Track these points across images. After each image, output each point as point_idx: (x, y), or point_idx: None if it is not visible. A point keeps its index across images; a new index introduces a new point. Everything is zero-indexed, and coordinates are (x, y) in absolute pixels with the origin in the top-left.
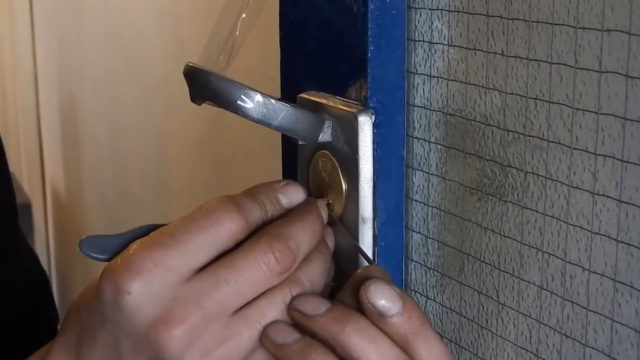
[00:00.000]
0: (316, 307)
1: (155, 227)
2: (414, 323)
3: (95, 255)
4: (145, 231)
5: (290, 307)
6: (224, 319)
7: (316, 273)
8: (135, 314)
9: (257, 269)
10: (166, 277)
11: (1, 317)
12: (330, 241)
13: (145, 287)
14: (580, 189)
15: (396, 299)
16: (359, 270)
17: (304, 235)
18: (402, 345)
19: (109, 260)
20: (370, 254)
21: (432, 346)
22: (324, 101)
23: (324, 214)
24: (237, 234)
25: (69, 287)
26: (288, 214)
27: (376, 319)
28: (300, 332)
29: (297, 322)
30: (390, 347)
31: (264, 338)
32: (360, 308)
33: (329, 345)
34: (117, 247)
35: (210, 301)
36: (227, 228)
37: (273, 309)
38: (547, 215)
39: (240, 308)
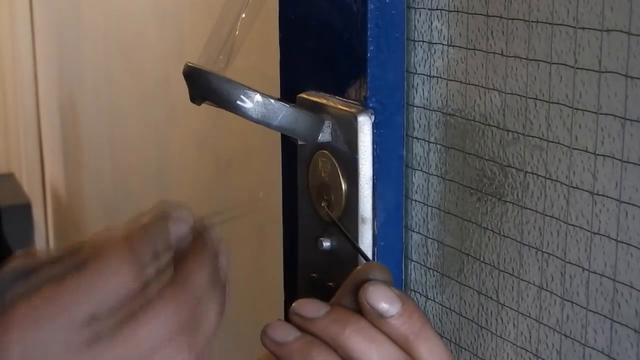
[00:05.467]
0: (316, 309)
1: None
2: (414, 324)
3: None
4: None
5: (290, 311)
6: None
7: (212, 315)
8: None
9: (159, 332)
10: (61, 344)
11: None
12: (225, 262)
13: (32, 346)
14: (580, 189)
15: (395, 301)
16: (358, 268)
17: (202, 279)
18: (403, 345)
19: None
20: (369, 254)
21: (432, 346)
22: (323, 101)
23: (214, 235)
24: (130, 289)
25: None
26: (185, 256)
27: (376, 320)
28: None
29: (297, 325)
30: (391, 348)
31: (263, 336)
32: (360, 309)
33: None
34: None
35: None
36: (119, 284)
37: (167, 355)
38: (546, 215)
39: None
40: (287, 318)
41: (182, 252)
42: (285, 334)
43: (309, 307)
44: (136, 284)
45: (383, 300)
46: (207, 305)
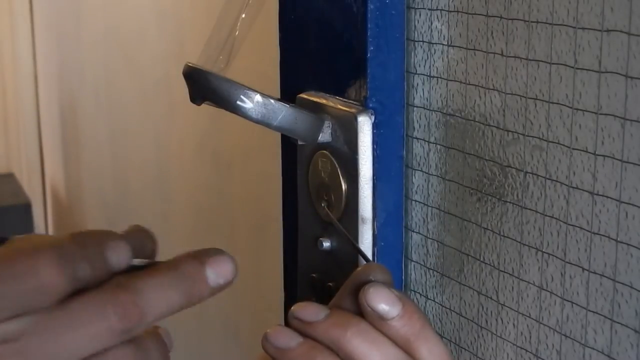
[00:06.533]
0: (315, 313)
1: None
2: (414, 325)
3: None
4: None
5: (289, 315)
6: None
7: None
8: None
9: (94, 323)
10: None
11: None
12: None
13: None
14: (580, 189)
15: (396, 302)
16: (358, 269)
17: (161, 292)
18: (404, 346)
19: None
20: (369, 255)
21: (432, 347)
22: (323, 101)
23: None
24: (53, 294)
25: None
26: (152, 267)
27: (377, 322)
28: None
29: (296, 329)
30: (392, 349)
31: (265, 342)
32: (360, 311)
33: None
34: None
35: (35, 356)
36: (40, 284)
37: None
38: (546, 215)
39: None
40: (287, 319)
41: (151, 268)
42: (288, 339)
43: (308, 311)
44: (56, 276)
45: (384, 302)
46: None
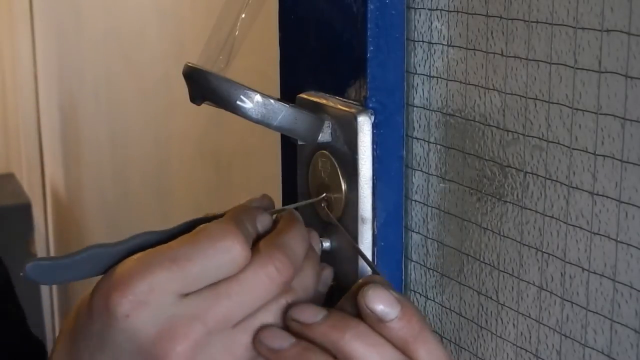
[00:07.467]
0: (313, 315)
1: (149, 237)
2: (413, 327)
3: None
4: (139, 243)
5: (287, 317)
6: (226, 331)
7: (308, 280)
8: (136, 335)
9: (259, 281)
10: (165, 299)
11: None
12: (317, 245)
13: (145, 309)
14: (580, 189)
15: (394, 304)
16: (360, 280)
17: (296, 243)
18: (402, 348)
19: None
20: (369, 255)
21: (431, 349)
22: (323, 101)
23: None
24: (241, 265)
25: (68, 288)
26: (276, 226)
27: (375, 324)
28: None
29: (295, 331)
30: (391, 352)
31: (258, 344)
32: (359, 313)
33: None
34: (116, 258)
35: (213, 316)
36: (232, 257)
37: (269, 317)
38: (546, 215)
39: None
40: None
41: (279, 226)
42: (281, 340)
43: (306, 313)
44: (245, 259)
45: (382, 303)
46: (304, 270)
